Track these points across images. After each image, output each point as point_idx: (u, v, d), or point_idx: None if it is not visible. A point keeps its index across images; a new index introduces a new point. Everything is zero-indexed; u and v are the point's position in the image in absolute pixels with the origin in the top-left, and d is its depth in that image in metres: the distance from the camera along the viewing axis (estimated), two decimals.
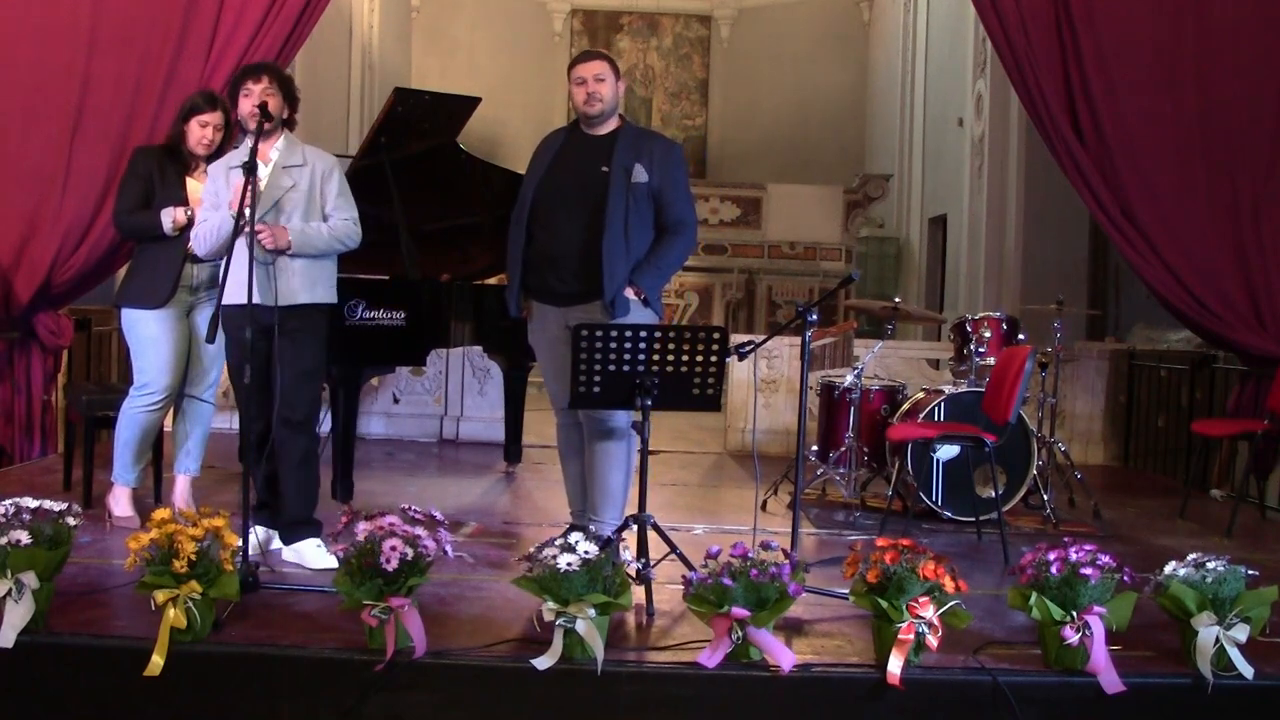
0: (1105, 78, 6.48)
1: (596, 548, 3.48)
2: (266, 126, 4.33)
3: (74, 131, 6.15)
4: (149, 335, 4.92)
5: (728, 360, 4.24)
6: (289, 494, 4.48)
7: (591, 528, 4.56)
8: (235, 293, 4.21)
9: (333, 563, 4.19)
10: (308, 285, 4.42)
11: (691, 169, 18.00)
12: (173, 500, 5.06)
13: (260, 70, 4.45)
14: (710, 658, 3.41)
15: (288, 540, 4.50)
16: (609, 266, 4.43)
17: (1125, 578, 3.51)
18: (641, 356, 4.09)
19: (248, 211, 4.13)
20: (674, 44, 18.55)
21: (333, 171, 4.53)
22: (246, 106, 4.36)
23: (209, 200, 4.47)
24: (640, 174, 4.47)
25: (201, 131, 4.92)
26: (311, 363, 4.46)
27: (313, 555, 4.44)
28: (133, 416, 4.98)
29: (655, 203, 4.53)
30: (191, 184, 4.95)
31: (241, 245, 4.22)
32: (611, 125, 4.62)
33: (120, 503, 5.05)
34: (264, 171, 4.37)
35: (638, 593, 3.87)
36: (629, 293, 4.48)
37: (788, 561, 3.50)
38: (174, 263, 4.89)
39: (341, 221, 4.49)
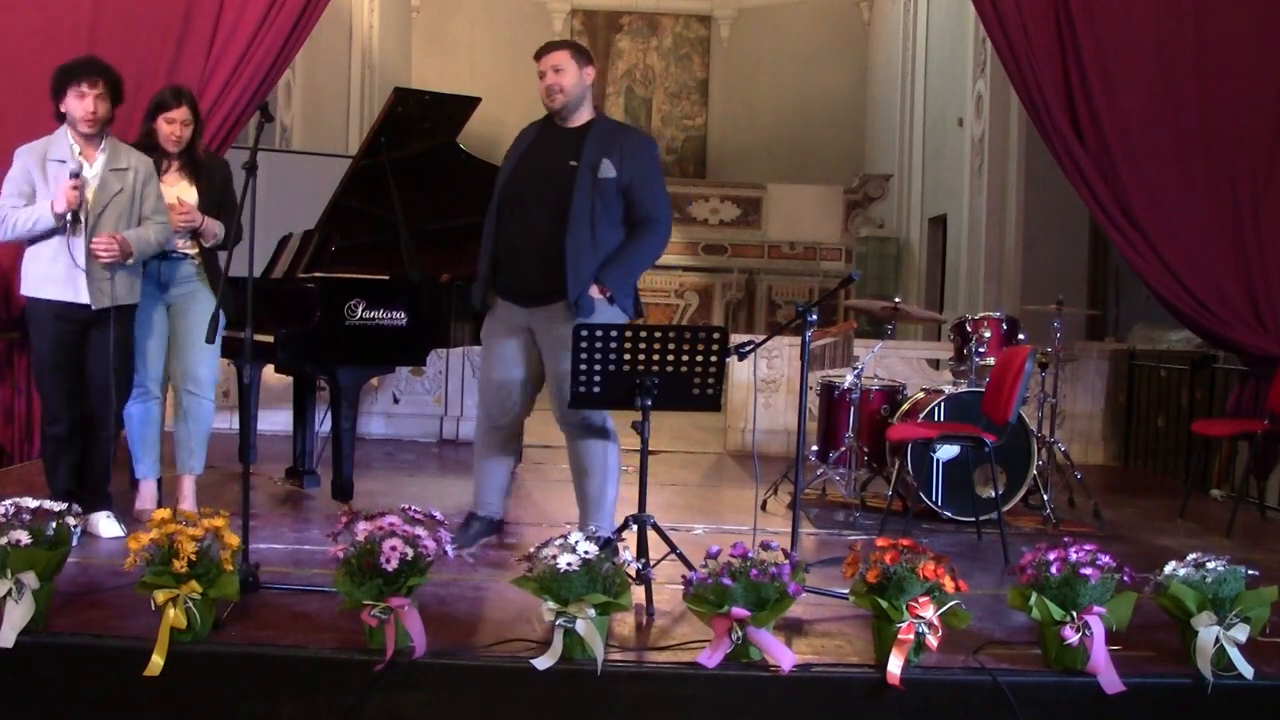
0: (1105, 78, 6.48)
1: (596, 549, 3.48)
2: (91, 132, 4.58)
3: None
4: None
5: (728, 360, 4.24)
6: (98, 474, 4.81)
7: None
8: (53, 288, 4.54)
9: (120, 531, 4.73)
10: (127, 288, 4.68)
11: (691, 169, 18.12)
12: (177, 499, 5.08)
13: (96, 73, 4.58)
14: (710, 658, 3.41)
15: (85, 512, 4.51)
16: (573, 264, 4.36)
17: (1125, 578, 3.51)
18: (641, 356, 4.09)
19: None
20: (674, 44, 18.56)
21: (152, 175, 4.77)
22: (80, 109, 4.55)
23: (14, 188, 4.60)
24: (608, 169, 4.38)
25: (169, 129, 4.93)
26: (128, 353, 4.81)
27: (105, 526, 4.76)
28: (124, 410, 5.05)
29: (625, 199, 4.44)
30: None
31: (60, 241, 4.51)
32: (584, 118, 4.54)
33: (140, 496, 5.15)
34: (91, 173, 4.60)
35: (638, 593, 3.87)
36: (594, 292, 4.41)
37: (788, 561, 3.50)
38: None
39: (160, 225, 4.75)
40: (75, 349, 4.65)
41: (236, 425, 6.32)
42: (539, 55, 4.52)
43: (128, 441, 5.18)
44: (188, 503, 5.06)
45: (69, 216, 4.47)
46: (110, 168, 4.62)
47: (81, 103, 4.54)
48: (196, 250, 5.01)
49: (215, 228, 4.97)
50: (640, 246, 4.48)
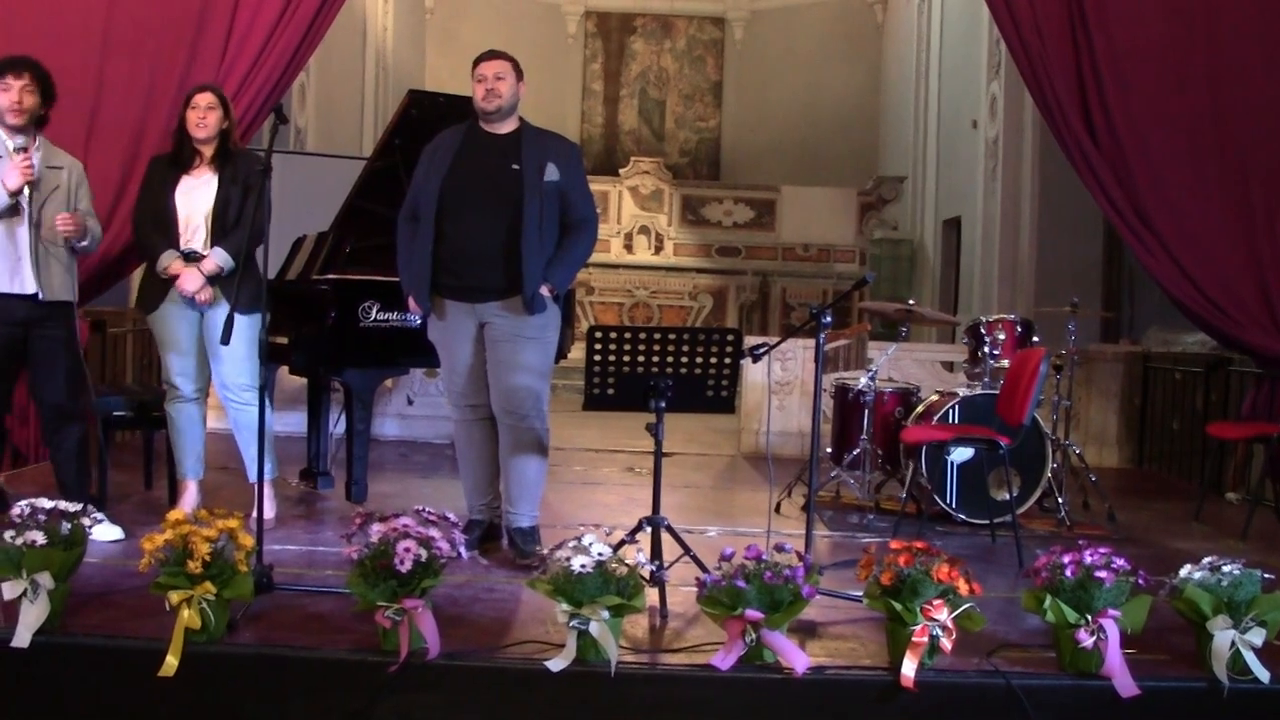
0: (1119, 79, 6.45)
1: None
2: (17, 124, 4.58)
3: (88, 135, 6.15)
4: (158, 336, 5.07)
5: (742, 362, 4.25)
6: (69, 479, 4.73)
7: (508, 520, 4.69)
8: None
9: (117, 534, 4.74)
10: (67, 284, 4.70)
11: (705, 171, 18.13)
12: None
13: (21, 66, 4.59)
14: (724, 660, 3.41)
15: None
16: (529, 263, 4.47)
17: (1140, 581, 3.50)
18: (655, 358, 4.10)
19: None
20: (687, 46, 18.55)
21: (84, 179, 4.85)
22: (5, 100, 4.58)
23: None
24: (552, 172, 4.54)
25: (192, 114, 4.92)
26: (78, 352, 4.79)
27: (98, 531, 4.54)
28: (166, 412, 5.13)
29: (562, 201, 4.59)
30: (183, 186, 4.95)
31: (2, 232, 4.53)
32: (512, 125, 4.66)
33: (181, 498, 5.17)
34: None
35: (651, 595, 3.87)
36: (544, 290, 4.52)
37: (801, 564, 3.49)
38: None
39: (95, 223, 4.82)
40: (11, 349, 4.64)
41: None
42: (483, 59, 4.64)
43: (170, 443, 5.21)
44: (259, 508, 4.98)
45: (24, 194, 4.51)
46: (47, 165, 4.67)
47: (6, 95, 4.58)
48: None
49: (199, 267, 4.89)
50: (579, 247, 4.66)
